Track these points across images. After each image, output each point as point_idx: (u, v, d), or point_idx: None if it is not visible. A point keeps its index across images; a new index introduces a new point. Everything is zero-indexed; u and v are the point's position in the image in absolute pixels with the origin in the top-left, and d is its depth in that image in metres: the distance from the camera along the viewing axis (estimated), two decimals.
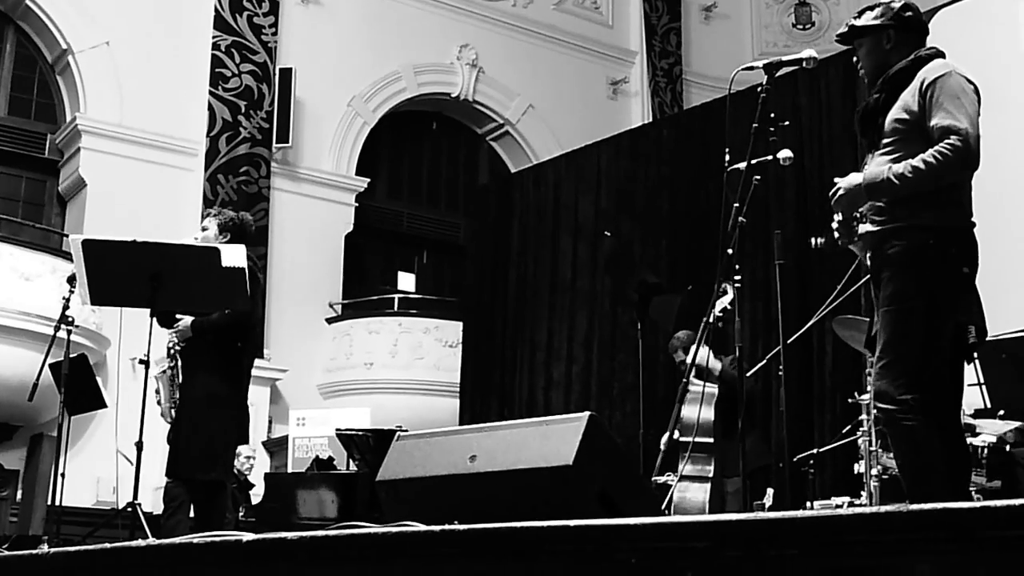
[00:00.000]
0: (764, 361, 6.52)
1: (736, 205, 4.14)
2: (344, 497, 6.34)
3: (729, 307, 4.84)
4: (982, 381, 5.47)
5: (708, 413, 5.72)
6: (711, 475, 5.76)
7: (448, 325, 12.22)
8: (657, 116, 14.32)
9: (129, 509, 5.29)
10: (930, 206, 3.46)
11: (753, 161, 4.20)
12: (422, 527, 2.34)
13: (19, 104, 11.93)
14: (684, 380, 4.41)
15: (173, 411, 5.48)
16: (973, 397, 5.18)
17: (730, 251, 4.11)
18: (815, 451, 6.36)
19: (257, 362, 7.67)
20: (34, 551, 3.33)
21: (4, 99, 11.84)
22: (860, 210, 3.59)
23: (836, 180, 3.66)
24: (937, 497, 3.09)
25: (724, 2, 15.65)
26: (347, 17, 13.01)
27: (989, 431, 5.15)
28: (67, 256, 8.97)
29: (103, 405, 7.67)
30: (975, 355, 3.92)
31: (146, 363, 5.23)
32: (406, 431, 3.49)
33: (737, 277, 4.35)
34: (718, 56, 14.91)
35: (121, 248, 5.15)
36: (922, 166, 3.41)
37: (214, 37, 11.98)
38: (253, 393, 5.81)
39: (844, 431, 6.09)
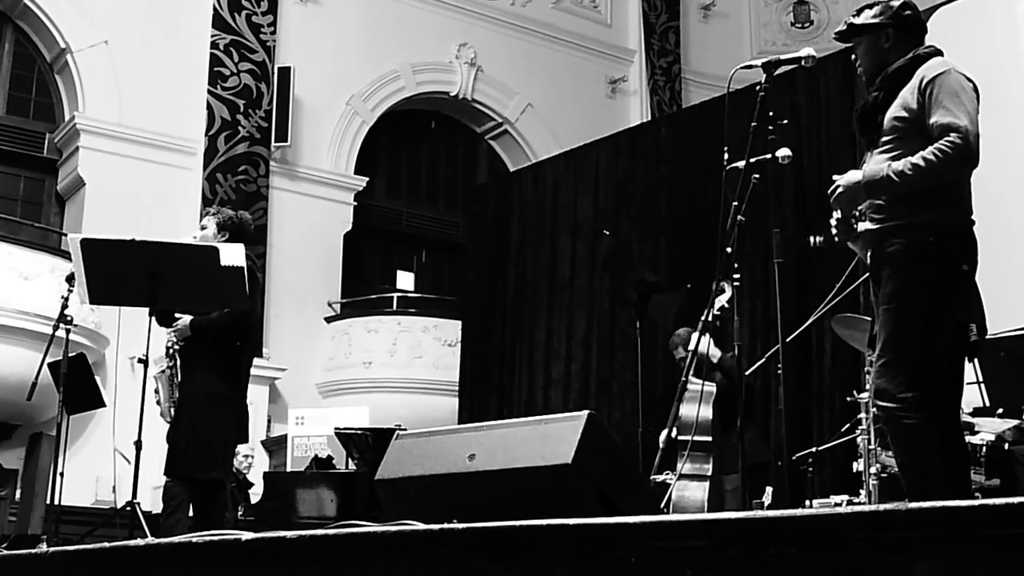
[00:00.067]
0: (763, 359, 6.53)
1: (735, 204, 4.14)
2: (343, 496, 6.34)
3: (727, 305, 4.84)
4: (981, 379, 5.48)
5: (707, 412, 5.72)
6: (710, 473, 5.77)
7: (447, 324, 12.22)
8: (656, 115, 14.32)
9: (128, 508, 5.30)
10: (930, 204, 3.46)
11: (752, 160, 4.21)
12: (421, 526, 2.33)
13: (18, 103, 11.93)
14: (683, 379, 4.41)
15: (172, 410, 5.48)
16: (972, 395, 5.18)
17: (729, 250, 4.11)
18: (814, 449, 6.37)
19: (256, 361, 7.67)
20: (33, 550, 3.33)
21: (3, 98, 11.83)
22: (859, 208, 3.59)
23: (835, 178, 3.66)
24: (937, 495, 3.09)
25: (723, 1, 15.66)
26: (346, 16, 13.01)
27: (988, 429, 5.15)
28: (66, 255, 8.97)
29: (102, 404, 7.67)
30: (976, 353, 3.92)
31: (145, 362, 5.23)
32: (405, 430, 3.49)
33: (736, 276, 4.36)
34: (717, 55, 14.92)
35: (120, 247, 5.15)
36: (922, 163, 3.41)
37: (213, 36, 11.98)
38: (252, 392, 5.80)
39: (843, 429, 6.10)
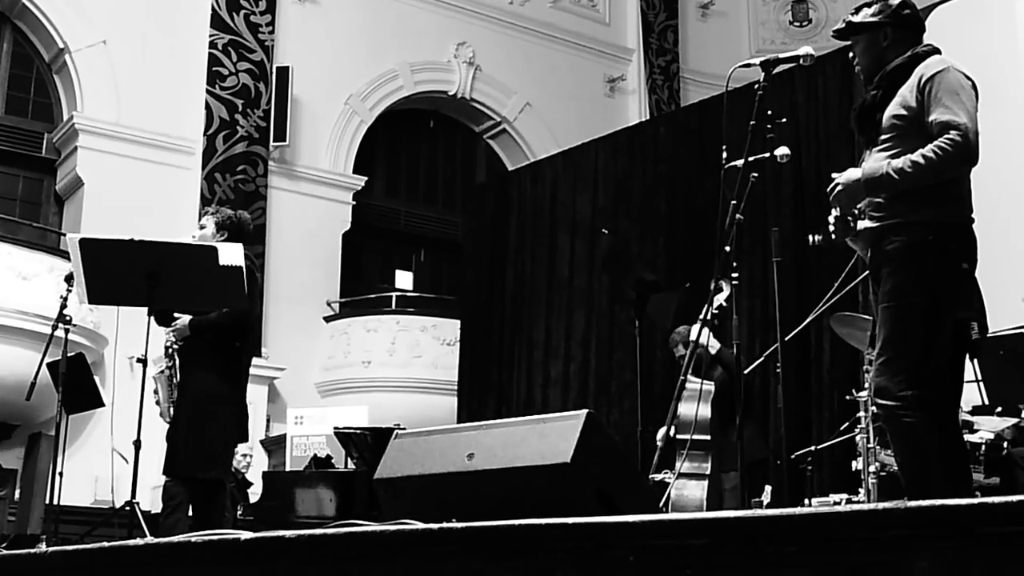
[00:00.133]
0: (762, 358, 6.53)
1: (733, 202, 4.14)
2: (342, 495, 6.34)
3: (725, 304, 4.84)
4: (980, 378, 5.48)
5: (705, 410, 5.73)
6: (708, 472, 5.77)
7: (446, 323, 12.22)
8: (654, 113, 14.33)
9: (127, 508, 5.30)
10: (929, 202, 3.46)
11: (750, 158, 4.21)
12: (420, 525, 2.33)
13: (16, 103, 11.92)
14: (681, 377, 4.41)
15: (172, 410, 5.47)
16: (970, 394, 5.18)
17: (728, 248, 4.12)
18: (813, 448, 6.37)
19: (255, 361, 7.66)
20: (32, 550, 3.32)
21: (1, 98, 11.82)
22: (859, 206, 3.59)
23: (834, 176, 3.66)
24: (936, 494, 3.09)
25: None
26: (344, 15, 13.01)
27: (987, 428, 5.15)
28: (64, 255, 8.98)
29: (101, 404, 7.67)
30: (978, 351, 3.92)
31: (144, 362, 5.23)
32: (404, 429, 3.49)
33: (735, 274, 4.36)
34: (715, 53, 14.92)
35: (118, 247, 5.15)
36: (922, 161, 3.41)
37: (211, 36, 11.98)
38: (251, 392, 5.80)
39: (842, 428, 6.10)
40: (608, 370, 10.13)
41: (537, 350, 10.85)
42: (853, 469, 5.61)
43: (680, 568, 1.89)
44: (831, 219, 3.69)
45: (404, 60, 13.35)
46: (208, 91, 11.84)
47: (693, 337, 4.41)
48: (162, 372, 5.55)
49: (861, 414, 5.48)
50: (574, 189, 10.94)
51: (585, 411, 2.93)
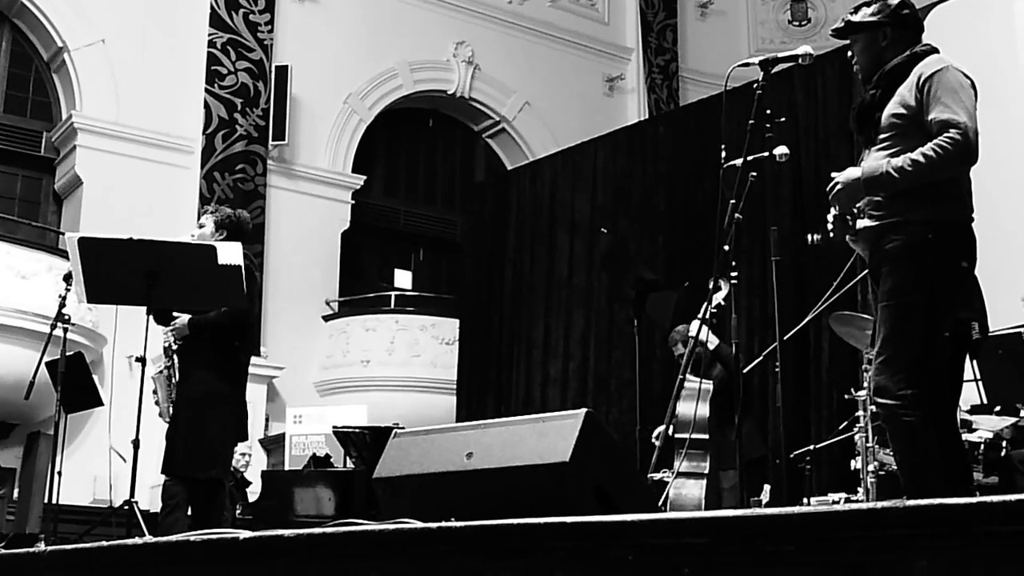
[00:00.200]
0: (761, 357, 6.53)
1: (732, 201, 4.14)
2: (341, 494, 6.34)
3: (723, 303, 4.85)
4: (978, 377, 5.48)
5: (704, 409, 5.73)
6: (707, 471, 5.77)
7: (445, 322, 12.22)
8: (653, 113, 14.32)
9: (126, 507, 5.29)
10: (929, 200, 3.46)
11: (749, 157, 4.21)
12: (419, 524, 2.33)
13: (15, 102, 11.92)
14: (680, 376, 4.41)
15: (171, 410, 5.46)
16: (969, 393, 5.18)
17: (726, 247, 4.12)
18: (812, 447, 6.37)
19: (254, 360, 7.65)
20: (31, 549, 3.33)
21: (0, 97, 11.82)
22: (858, 205, 3.58)
23: (834, 175, 3.66)
24: (935, 493, 3.09)
25: None
26: (343, 14, 13.00)
27: (986, 427, 5.15)
28: (63, 254, 8.98)
29: (99, 403, 7.66)
30: (978, 351, 3.93)
31: (143, 361, 5.23)
32: (403, 428, 3.49)
33: (734, 273, 4.36)
34: (714, 53, 14.91)
35: (117, 246, 5.15)
36: (921, 160, 3.41)
37: (210, 34, 11.97)
38: (250, 391, 5.79)
39: (841, 427, 6.10)
40: (607, 369, 10.13)
41: (536, 349, 10.85)
42: (852, 468, 5.61)
43: (679, 567, 1.89)
44: (830, 218, 3.69)
45: (403, 59, 13.34)
46: (207, 90, 11.83)
47: (692, 332, 4.42)
48: (161, 372, 5.54)
49: (860, 413, 5.49)
50: (573, 188, 10.94)
51: (584, 410, 2.93)
